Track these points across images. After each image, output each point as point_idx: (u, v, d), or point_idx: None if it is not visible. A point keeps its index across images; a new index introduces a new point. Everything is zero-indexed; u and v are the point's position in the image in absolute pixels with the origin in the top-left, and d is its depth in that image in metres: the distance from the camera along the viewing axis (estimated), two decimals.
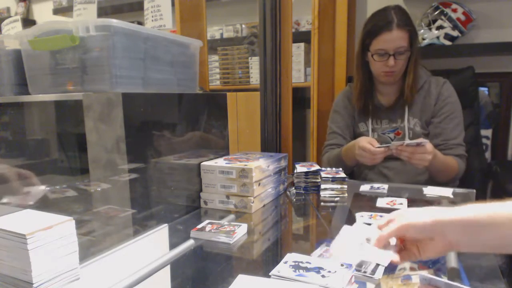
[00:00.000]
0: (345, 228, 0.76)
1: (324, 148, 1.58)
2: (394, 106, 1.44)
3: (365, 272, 0.65)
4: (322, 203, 1.13)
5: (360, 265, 0.66)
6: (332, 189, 1.18)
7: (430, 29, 1.87)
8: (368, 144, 1.23)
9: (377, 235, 0.64)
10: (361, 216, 0.93)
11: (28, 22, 3.42)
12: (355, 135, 1.53)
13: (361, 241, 0.67)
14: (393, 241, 0.64)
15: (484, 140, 1.87)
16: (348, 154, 1.39)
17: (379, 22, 1.34)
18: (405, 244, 0.64)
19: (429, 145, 1.18)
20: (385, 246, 0.64)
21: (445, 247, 0.59)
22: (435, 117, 1.39)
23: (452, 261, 0.69)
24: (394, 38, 1.31)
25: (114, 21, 0.82)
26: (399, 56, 1.33)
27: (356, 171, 1.56)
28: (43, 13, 3.50)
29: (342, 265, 0.63)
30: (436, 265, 0.69)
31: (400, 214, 0.63)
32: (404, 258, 0.63)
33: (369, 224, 0.73)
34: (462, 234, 0.57)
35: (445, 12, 1.83)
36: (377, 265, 0.67)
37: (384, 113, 1.46)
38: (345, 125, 1.53)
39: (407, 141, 1.22)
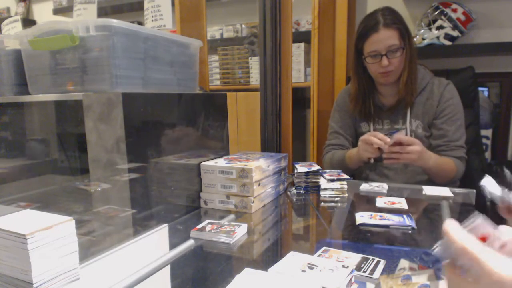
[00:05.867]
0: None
1: (325, 148, 1.58)
2: (396, 107, 1.43)
3: (364, 272, 0.65)
4: (322, 203, 1.13)
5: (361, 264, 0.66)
6: (332, 189, 1.18)
7: (430, 29, 1.87)
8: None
9: None
10: (361, 216, 0.93)
11: (28, 22, 3.42)
12: (357, 135, 1.53)
13: None
14: None
15: (484, 140, 1.87)
16: (352, 158, 1.40)
17: (367, 25, 1.36)
18: None
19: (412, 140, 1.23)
20: None
21: None
22: (437, 118, 1.39)
23: None
24: (382, 38, 1.32)
25: (114, 21, 0.82)
26: (392, 55, 1.33)
27: (356, 172, 1.56)
28: (43, 13, 3.50)
29: (342, 265, 0.63)
30: (436, 265, 0.69)
31: None
32: None
33: None
34: None
35: (445, 12, 1.84)
36: (377, 264, 0.67)
37: (386, 114, 1.46)
38: (346, 125, 1.53)
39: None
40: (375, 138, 1.24)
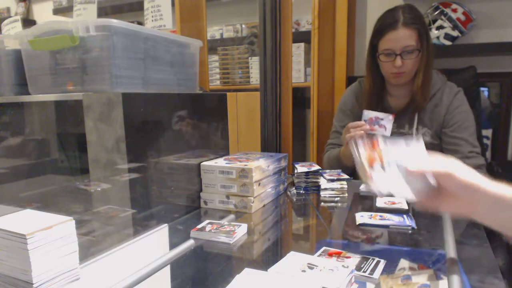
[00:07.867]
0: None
1: (326, 147, 1.56)
2: (404, 111, 1.39)
3: (364, 272, 0.65)
4: (322, 203, 1.13)
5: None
6: (332, 189, 1.18)
7: (430, 29, 1.87)
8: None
9: (419, 163, 0.61)
10: (361, 216, 0.93)
11: (28, 22, 3.42)
12: None
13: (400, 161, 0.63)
14: (430, 178, 0.61)
15: (484, 140, 1.87)
16: (345, 153, 1.36)
17: (385, 22, 1.30)
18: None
19: None
20: (420, 177, 0.61)
21: (466, 210, 0.61)
22: (447, 127, 1.35)
23: (452, 261, 0.69)
24: (400, 37, 1.26)
25: (114, 21, 0.82)
26: (407, 56, 1.28)
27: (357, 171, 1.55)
28: (43, 13, 3.50)
29: (342, 265, 0.63)
30: (436, 265, 0.69)
31: (449, 162, 0.61)
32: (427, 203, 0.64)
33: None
34: (489, 207, 0.58)
35: (445, 12, 1.84)
36: (377, 264, 0.67)
37: None
38: None
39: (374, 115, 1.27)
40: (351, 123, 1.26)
